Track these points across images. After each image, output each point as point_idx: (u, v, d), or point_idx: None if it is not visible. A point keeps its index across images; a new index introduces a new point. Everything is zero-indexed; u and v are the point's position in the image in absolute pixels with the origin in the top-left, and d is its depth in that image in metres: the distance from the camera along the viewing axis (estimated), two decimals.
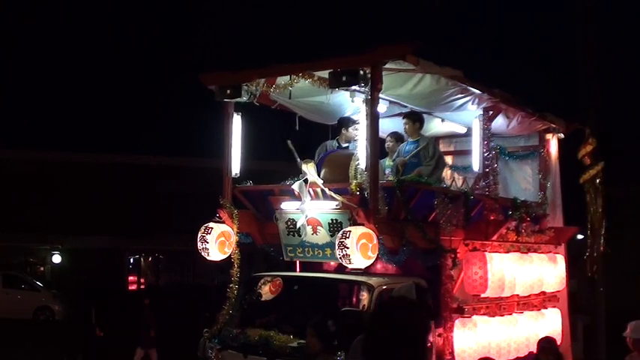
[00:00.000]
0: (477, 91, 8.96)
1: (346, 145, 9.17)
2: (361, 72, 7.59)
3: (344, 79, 7.67)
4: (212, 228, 8.46)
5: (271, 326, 7.91)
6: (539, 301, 9.89)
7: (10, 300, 22.92)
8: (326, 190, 7.99)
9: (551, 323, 9.88)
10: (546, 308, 10.00)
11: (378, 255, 7.45)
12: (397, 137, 9.86)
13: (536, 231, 10.09)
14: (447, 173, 10.93)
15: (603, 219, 11.32)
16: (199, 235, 8.49)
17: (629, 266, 20.04)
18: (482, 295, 8.63)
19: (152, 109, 32.01)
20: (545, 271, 9.75)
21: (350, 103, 8.64)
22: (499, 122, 9.83)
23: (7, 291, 23.27)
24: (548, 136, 10.94)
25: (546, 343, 7.53)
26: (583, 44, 11.70)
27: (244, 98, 8.60)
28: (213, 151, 9.94)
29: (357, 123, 9.15)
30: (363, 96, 7.90)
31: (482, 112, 9.38)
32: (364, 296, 8.03)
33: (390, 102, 9.18)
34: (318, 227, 8.11)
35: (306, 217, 8.12)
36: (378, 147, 7.99)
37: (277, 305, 8.27)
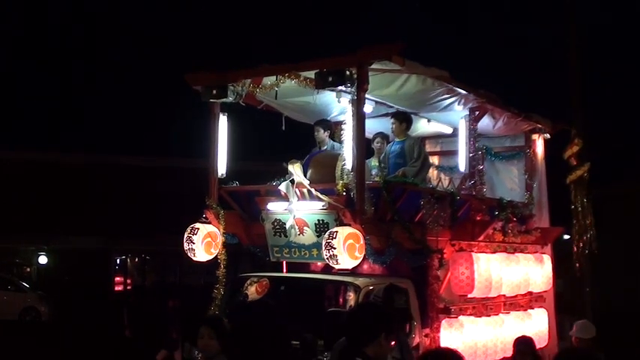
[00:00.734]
0: (463, 92, 8.97)
1: (325, 148, 9.20)
2: (347, 72, 7.60)
3: (330, 79, 7.67)
4: (198, 229, 8.44)
5: None
6: (525, 301, 9.91)
7: None
8: (312, 190, 7.97)
9: (537, 323, 9.90)
10: (533, 308, 10.02)
11: (364, 255, 7.44)
12: (384, 137, 9.86)
13: (523, 231, 10.12)
14: (433, 173, 10.95)
15: (589, 219, 11.36)
16: (186, 235, 8.46)
17: (616, 266, 20.16)
18: (469, 296, 8.65)
19: (137, 109, 31.88)
20: (532, 271, 9.78)
21: (336, 103, 8.63)
22: (485, 123, 9.85)
23: None
24: (535, 136, 10.97)
25: (523, 345, 7.28)
26: (569, 45, 11.73)
27: (230, 98, 8.58)
28: (200, 152, 9.91)
29: (330, 124, 9.20)
30: (349, 96, 7.91)
31: (468, 113, 9.40)
32: (351, 297, 8.02)
33: (377, 102, 9.18)
34: (305, 228, 8.10)
35: (294, 217, 8.11)
36: (364, 147, 8.00)
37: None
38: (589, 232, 11.28)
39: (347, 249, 7.21)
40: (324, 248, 7.30)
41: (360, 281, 7.80)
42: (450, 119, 10.08)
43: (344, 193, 7.71)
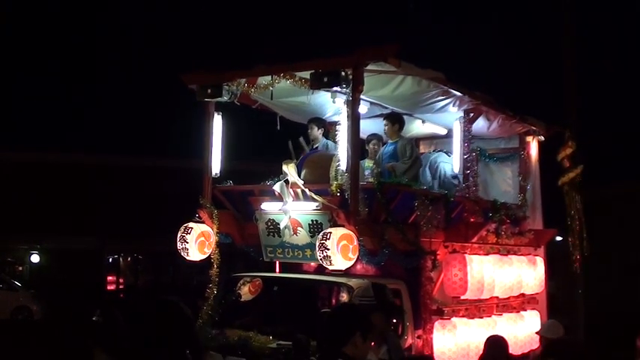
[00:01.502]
0: (458, 93, 8.99)
1: (316, 146, 9.23)
2: (342, 73, 7.60)
3: (325, 80, 7.68)
4: (192, 228, 8.44)
5: (250, 327, 7.88)
6: (518, 303, 9.93)
7: None
8: (306, 191, 7.98)
9: (530, 325, 9.91)
10: (525, 310, 10.04)
11: (358, 256, 7.44)
12: (376, 138, 9.87)
13: (516, 233, 10.14)
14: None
15: (582, 221, 11.39)
16: (179, 235, 8.46)
17: (609, 268, 20.22)
18: (462, 297, 8.66)
19: (131, 108, 31.80)
20: (525, 273, 9.80)
21: (331, 103, 8.64)
22: (480, 124, 9.87)
23: None
24: (529, 138, 11.00)
25: (494, 348, 6.78)
26: (564, 48, 11.78)
27: (225, 98, 8.59)
28: (194, 151, 9.90)
29: (324, 123, 9.20)
30: (344, 97, 7.91)
31: (463, 114, 9.42)
32: (344, 297, 8.01)
33: (371, 103, 9.20)
34: (299, 228, 8.10)
35: (288, 217, 8.11)
36: (359, 148, 8.01)
37: (257, 306, 8.25)
38: (582, 233, 11.30)
39: (340, 250, 7.21)
40: (317, 249, 7.31)
41: (353, 282, 7.80)
42: (444, 121, 10.09)
43: (338, 194, 7.72)
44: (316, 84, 7.80)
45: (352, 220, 7.44)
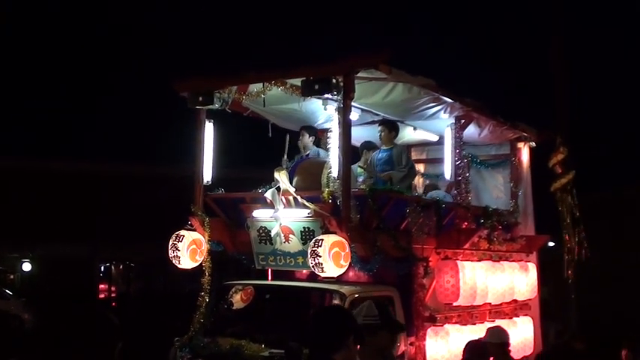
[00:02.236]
0: (449, 100, 9.02)
1: (307, 153, 9.26)
2: (334, 80, 7.62)
3: (316, 87, 7.69)
4: (183, 236, 8.42)
5: (242, 335, 7.86)
6: (510, 309, 9.94)
7: None
8: (298, 198, 7.98)
9: (522, 331, 9.93)
10: (518, 316, 10.05)
11: (350, 263, 7.44)
12: (370, 146, 9.89)
13: (508, 239, 10.15)
14: (419, 181, 10.99)
15: (575, 227, 11.41)
16: (170, 242, 8.45)
17: (601, 273, 20.25)
18: (454, 304, 8.67)
19: (123, 116, 31.76)
20: (517, 279, 9.82)
21: (323, 110, 8.65)
22: (471, 131, 9.89)
23: None
24: (520, 144, 11.04)
25: (472, 352, 6.76)
26: (554, 52, 11.83)
27: (216, 105, 8.59)
28: (185, 159, 9.90)
29: (315, 130, 9.21)
30: (335, 104, 7.93)
31: (454, 121, 9.44)
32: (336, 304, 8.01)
33: (363, 110, 9.22)
34: (290, 235, 8.10)
35: (280, 225, 8.11)
36: (350, 155, 8.01)
37: (249, 314, 8.24)
38: (575, 239, 11.32)
39: (332, 257, 7.21)
40: (309, 256, 7.31)
41: (345, 289, 7.80)
42: (435, 127, 10.12)
43: (330, 201, 7.72)
44: (307, 91, 7.82)
45: (344, 227, 7.45)
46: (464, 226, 9.17)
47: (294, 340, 7.15)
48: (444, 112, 9.25)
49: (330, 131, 8.02)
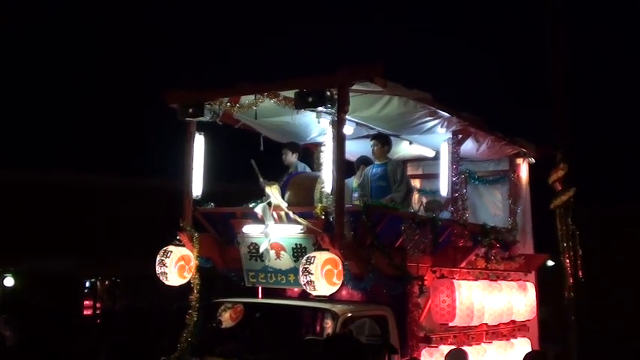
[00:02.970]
0: (446, 114, 9.06)
1: (290, 171, 9.33)
2: (328, 93, 7.65)
3: (310, 99, 7.72)
4: (171, 251, 8.43)
5: (231, 355, 7.86)
6: (508, 330, 9.95)
7: None
8: (290, 213, 7.99)
9: (520, 353, 9.89)
10: (516, 338, 10.05)
11: (343, 281, 7.45)
12: (367, 162, 9.92)
13: (506, 258, 10.18)
14: (414, 197, 11.00)
15: (576, 245, 11.44)
16: (158, 258, 8.45)
17: (602, 293, 20.28)
18: (450, 324, 8.66)
19: (109, 126, 31.72)
20: (515, 299, 9.83)
21: (316, 124, 8.68)
22: (468, 146, 9.93)
23: None
24: (519, 160, 11.08)
25: None
26: (553, 67, 11.88)
27: (207, 117, 8.62)
28: (174, 172, 9.91)
29: (298, 147, 9.22)
30: (329, 117, 7.95)
31: (451, 136, 9.47)
32: (328, 324, 8.02)
33: (357, 124, 9.24)
34: (282, 252, 8.11)
35: (270, 241, 8.11)
36: (344, 170, 8.04)
37: (238, 333, 8.22)
38: (575, 258, 11.33)
39: (325, 275, 7.22)
40: (301, 273, 7.30)
41: (338, 308, 7.80)
42: (432, 142, 10.15)
43: (322, 217, 7.73)
44: (301, 104, 7.84)
45: (337, 243, 7.46)
46: (460, 244, 9.19)
47: None
48: (441, 127, 9.28)
49: (324, 145, 8.03)
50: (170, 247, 8.45)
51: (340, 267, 7.31)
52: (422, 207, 10.01)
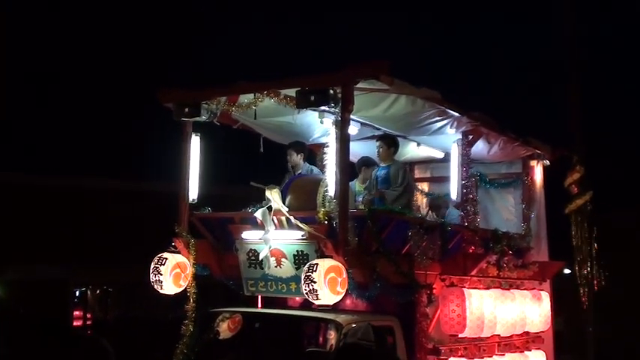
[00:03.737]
0: (456, 114, 9.06)
1: (298, 172, 9.34)
2: (331, 91, 7.65)
3: (312, 98, 7.72)
4: (166, 259, 8.44)
5: None
6: (522, 342, 9.94)
7: None
8: (291, 218, 8.00)
9: None
10: (530, 350, 10.05)
11: (347, 290, 7.46)
12: (369, 163, 9.93)
13: (519, 265, 10.17)
14: (422, 202, 11.02)
15: (592, 252, 11.44)
16: (152, 266, 8.46)
17: (620, 303, 20.26)
18: (460, 335, 8.67)
19: (99, 126, 31.74)
20: (529, 309, 9.83)
21: (319, 124, 8.69)
22: (479, 147, 9.94)
23: None
24: (533, 162, 11.09)
25: None
26: (568, 66, 11.89)
27: (204, 117, 8.63)
28: (169, 175, 9.93)
29: (304, 147, 9.25)
30: (332, 117, 7.97)
31: (461, 137, 9.48)
32: (332, 335, 8.03)
33: (362, 124, 9.26)
34: (283, 259, 8.11)
35: (270, 247, 8.13)
36: (348, 172, 8.05)
37: (236, 344, 8.24)
38: (591, 265, 11.34)
39: (328, 283, 7.22)
40: (303, 282, 7.31)
41: (341, 318, 7.81)
42: (441, 143, 10.17)
43: (325, 222, 7.74)
44: (302, 103, 7.85)
45: (341, 250, 7.47)
46: (471, 251, 9.19)
47: None
48: (451, 127, 9.30)
49: (327, 146, 8.05)
50: (165, 254, 8.46)
51: (344, 275, 7.32)
52: (430, 212, 10.03)
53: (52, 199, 28.17)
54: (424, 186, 11.36)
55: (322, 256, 7.45)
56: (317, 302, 7.42)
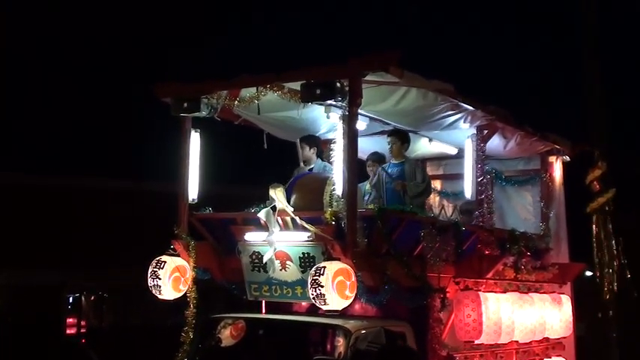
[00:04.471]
0: (470, 108, 9.08)
1: (310, 167, 9.34)
2: (338, 84, 7.66)
3: (318, 92, 7.73)
4: (165, 262, 8.46)
5: None
6: (541, 349, 9.96)
7: None
8: (297, 219, 8.02)
9: None
10: (550, 357, 10.08)
11: (356, 294, 7.47)
12: (378, 159, 9.94)
13: (538, 267, 10.18)
14: (435, 200, 11.03)
15: (614, 253, 11.43)
16: (150, 270, 8.48)
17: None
18: (476, 342, 8.68)
19: (95, 124, 31.78)
20: (549, 314, 9.83)
21: (325, 119, 8.71)
22: (495, 143, 9.95)
23: None
24: (552, 158, 11.10)
25: None
26: (586, 52, 11.89)
27: (204, 113, 8.65)
28: (167, 173, 9.96)
29: (316, 141, 9.27)
30: (339, 111, 7.98)
31: (475, 132, 9.50)
32: (340, 342, 8.05)
33: (371, 119, 9.28)
34: (288, 262, 8.13)
35: (274, 250, 8.14)
36: (356, 170, 8.05)
37: (239, 352, 8.27)
38: (613, 268, 11.33)
39: (336, 287, 7.23)
40: (309, 286, 7.32)
41: (350, 324, 7.83)
42: (454, 139, 10.18)
43: (333, 223, 7.75)
44: (308, 96, 7.86)
45: (349, 252, 7.48)
46: (487, 253, 9.20)
47: None
48: (464, 122, 9.31)
49: (334, 142, 8.06)
50: (163, 257, 8.48)
51: (353, 278, 7.33)
52: (442, 209, 10.03)
53: (43, 200, 28.22)
54: (437, 184, 11.36)
55: (330, 258, 7.46)
56: (324, 307, 7.44)
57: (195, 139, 8.94)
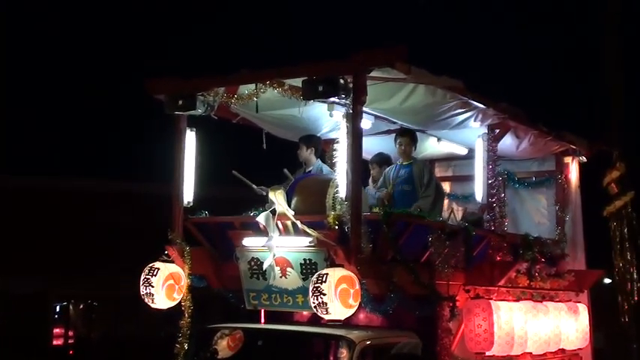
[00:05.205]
0: (481, 106, 9.09)
1: (308, 170, 9.38)
2: (341, 81, 7.68)
3: (320, 89, 7.75)
4: (158, 269, 8.47)
5: None
6: None
7: None
8: (297, 223, 8.03)
9: None
10: None
11: (360, 303, 7.48)
12: (382, 160, 9.95)
13: (553, 275, 10.20)
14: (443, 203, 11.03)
15: (633, 260, 11.43)
16: (143, 277, 8.49)
17: None
18: (487, 353, 8.68)
19: (82, 122, 31.83)
20: (564, 324, 9.85)
21: (328, 117, 8.73)
22: (507, 143, 9.96)
23: None
24: (567, 159, 11.11)
25: None
26: (606, 46, 11.88)
27: (199, 111, 8.66)
28: (161, 175, 9.97)
29: (316, 141, 9.29)
30: (343, 109, 7.99)
31: (486, 131, 9.51)
32: (343, 354, 8.04)
33: (376, 117, 9.29)
34: (288, 269, 8.15)
35: (274, 256, 8.16)
36: (360, 171, 8.06)
37: None
38: (632, 275, 11.35)
39: (339, 295, 7.25)
40: (311, 294, 7.34)
41: (354, 335, 7.83)
42: (464, 138, 10.20)
43: (336, 227, 7.77)
44: (309, 94, 7.89)
45: (353, 258, 7.50)
46: (498, 259, 9.22)
47: None
48: (475, 120, 9.32)
49: (337, 142, 8.07)
50: (157, 264, 8.49)
51: (357, 286, 7.35)
52: (452, 215, 10.04)
53: (29, 203, 28.23)
54: (446, 186, 11.37)
55: (332, 265, 7.48)
56: (327, 317, 7.45)
57: (190, 139, 8.96)
